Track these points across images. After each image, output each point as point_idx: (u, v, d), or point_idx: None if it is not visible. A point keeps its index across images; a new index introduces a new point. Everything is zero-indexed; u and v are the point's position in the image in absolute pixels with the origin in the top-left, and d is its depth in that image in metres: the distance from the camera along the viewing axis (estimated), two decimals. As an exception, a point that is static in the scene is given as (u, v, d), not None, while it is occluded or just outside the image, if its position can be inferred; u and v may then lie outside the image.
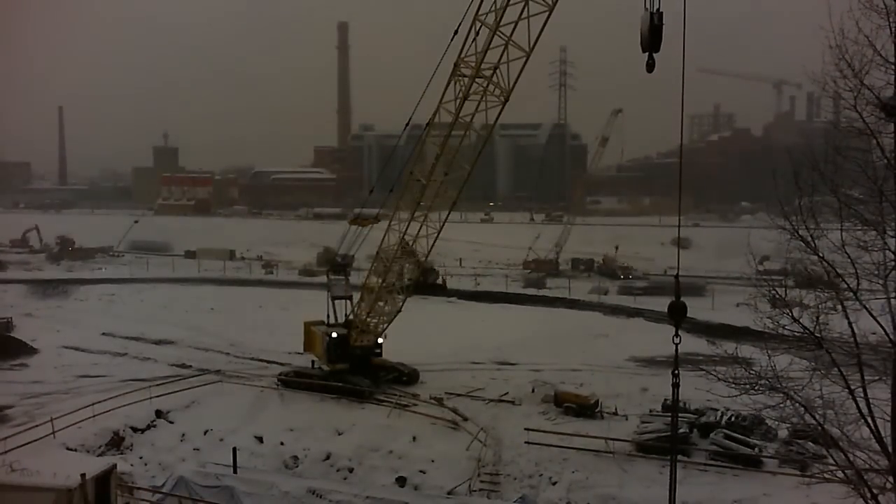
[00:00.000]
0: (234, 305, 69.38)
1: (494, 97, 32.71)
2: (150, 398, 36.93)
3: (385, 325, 40.69)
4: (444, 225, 37.72)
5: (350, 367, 39.99)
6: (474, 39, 31.85)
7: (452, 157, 35.30)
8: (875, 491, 14.22)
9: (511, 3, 30.32)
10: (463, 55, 32.30)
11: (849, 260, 14.12)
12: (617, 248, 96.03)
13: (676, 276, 16.69)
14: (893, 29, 13.02)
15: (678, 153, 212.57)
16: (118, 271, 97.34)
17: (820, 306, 14.45)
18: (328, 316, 41.92)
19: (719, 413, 32.23)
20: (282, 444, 33.44)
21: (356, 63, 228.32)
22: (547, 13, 29.90)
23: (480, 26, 31.41)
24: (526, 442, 31.35)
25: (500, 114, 33.78)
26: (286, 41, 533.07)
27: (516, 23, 30.59)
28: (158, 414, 36.51)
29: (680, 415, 33.37)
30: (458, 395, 38.72)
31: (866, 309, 14.46)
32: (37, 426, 32.12)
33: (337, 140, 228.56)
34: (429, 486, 29.43)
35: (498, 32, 31.09)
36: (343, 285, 43.56)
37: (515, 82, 32.41)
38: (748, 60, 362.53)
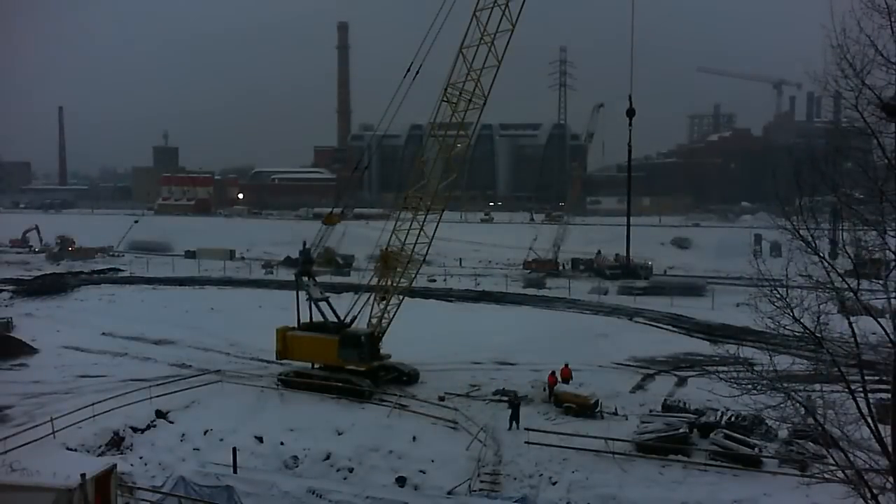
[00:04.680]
0: (234, 305, 69.36)
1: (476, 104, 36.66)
2: (150, 398, 36.89)
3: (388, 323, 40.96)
4: (436, 229, 38.86)
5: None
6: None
7: (448, 167, 37.71)
8: (875, 491, 14.22)
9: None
10: (452, 80, 36.20)
11: (849, 260, 14.15)
12: (599, 251, 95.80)
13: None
14: (895, 29, 13.02)
15: (678, 153, 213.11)
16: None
17: (820, 306, 14.46)
18: (309, 317, 42.04)
19: (719, 413, 32.22)
20: (282, 444, 33.42)
21: (356, 63, 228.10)
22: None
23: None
24: (526, 442, 31.34)
25: (479, 116, 37.33)
26: (286, 41, 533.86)
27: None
28: (158, 414, 36.48)
29: (680, 415, 33.48)
30: (458, 395, 38.72)
31: (866, 309, 14.47)
32: (37, 426, 32.09)
33: (337, 140, 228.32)
34: (429, 486, 29.44)
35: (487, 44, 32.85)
36: (318, 288, 43.49)
37: (490, 89, 36.24)
38: (748, 60, 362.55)
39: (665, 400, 36.48)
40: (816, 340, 14.39)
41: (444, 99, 37.17)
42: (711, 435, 30.69)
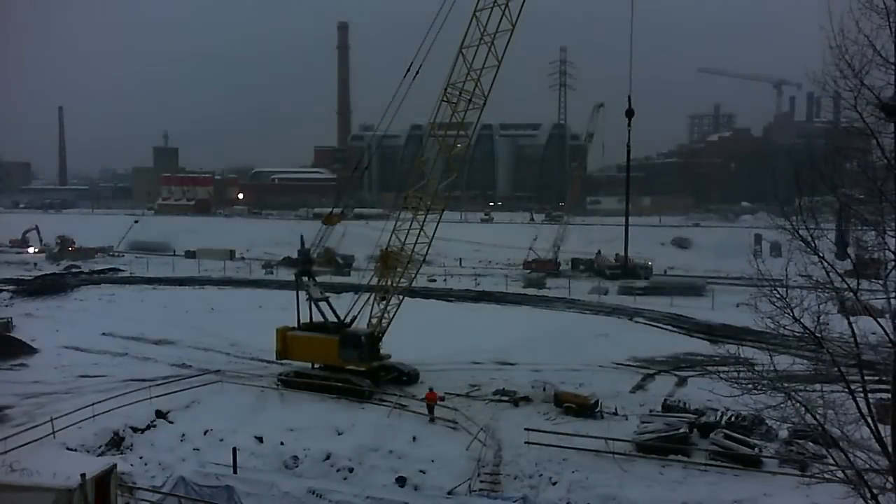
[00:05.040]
0: (234, 305, 69.36)
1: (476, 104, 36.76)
2: (150, 398, 36.88)
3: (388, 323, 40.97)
4: (435, 229, 38.84)
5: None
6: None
7: (448, 167, 37.84)
8: (875, 491, 14.23)
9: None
10: (452, 80, 36.32)
11: (849, 260, 14.17)
12: (599, 251, 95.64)
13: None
14: (893, 29, 13.03)
15: (678, 153, 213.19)
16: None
17: (820, 306, 14.46)
18: (310, 317, 42.08)
19: (719, 413, 32.22)
20: (282, 444, 33.42)
21: (356, 63, 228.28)
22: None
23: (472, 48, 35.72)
24: (526, 442, 31.33)
25: (479, 116, 37.26)
26: (286, 41, 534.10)
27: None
28: (158, 414, 36.48)
29: (680, 415, 33.48)
30: (458, 395, 38.71)
31: (866, 309, 14.47)
32: (37, 426, 32.07)
33: (337, 140, 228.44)
34: (429, 486, 29.43)
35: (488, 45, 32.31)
36: (318, 288, 43.48)
37: (490, 89, 36.36)
38: (748, 60, 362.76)
39: (665, 400, 36.47)
40: (816, 340, 14.40)
41: (444, 99, 37.19)
42: (711, 435, 30.69)
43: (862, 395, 14.15)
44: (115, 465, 25.65)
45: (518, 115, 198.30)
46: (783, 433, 29.85)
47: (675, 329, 57.85)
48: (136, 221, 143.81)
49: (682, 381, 42.25)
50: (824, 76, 13.94)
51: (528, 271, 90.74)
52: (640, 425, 32.23)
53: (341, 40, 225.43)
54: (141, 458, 32.67)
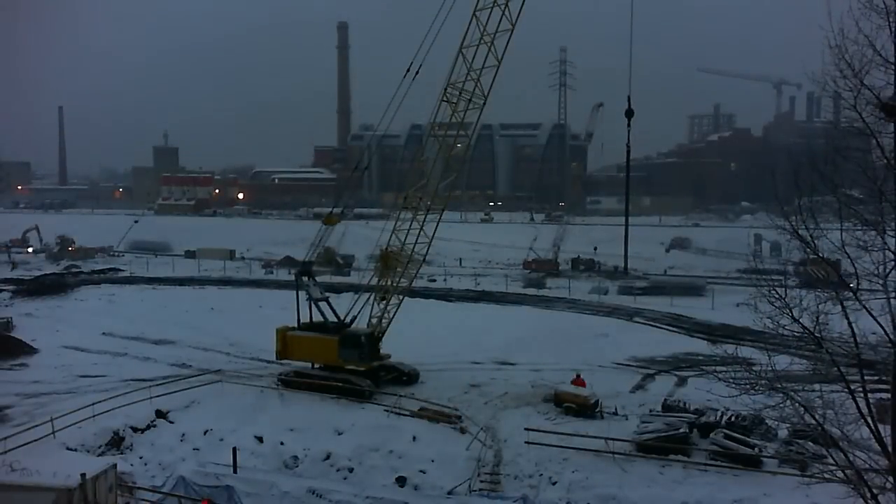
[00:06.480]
0: (234, 305, 69.38)
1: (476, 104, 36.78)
2: (150, 398, 36.89)
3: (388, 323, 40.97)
4: (435, 229, 38.90)
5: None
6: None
7: (448, 167, 37.80)
8: (875, 491, 14.24)
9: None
10: (452, 80, 36.36)
11: (849, 260, 14.16)
12: (595, 248, 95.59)
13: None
14: (893, 29, 13.03)
15: (678, 153, 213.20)
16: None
17: (820, 306, 14.46)
18: (310, 317, 42.08)
19: (719, 413, 32.21)
20: (282, 444, 33.42)
21: (356, 63, 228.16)
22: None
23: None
24: (526, 442, 31.35)
25: (479, 116, 37.27)
26: (286, 41, 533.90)
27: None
28: (158, 414, 36.48)
29: (680, 415, 33.47)
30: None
31: (866, 309, 14.47)
32: (37, 426, 32.08)
33: (337, 140, 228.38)
34: (429, 486, 29.45)
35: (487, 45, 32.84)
36: (318, 288, 43.48)
37: (490, 89, 36.42)
38: (748, 60, 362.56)
39: (665, 400, 36.48)
40: (816, 340, 14.40)
41: (444, 99, 37.21)
42: (711, 435, 30.67)
43: (862, 395, 14.16)
44: (115, 465, 25.66)
45: (518, 115, 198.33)
46: (783, 433, 29.85)
47: (674, 329, 57.88)
48: (136, 221, 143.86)
49: (681, 381, 42.28)
50: (824, 76, 13.95)
51: (528, 271, 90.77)
52: (640, 425, 32.21)
53: (341, 40, 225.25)
54: (141, 458, 32.68)
